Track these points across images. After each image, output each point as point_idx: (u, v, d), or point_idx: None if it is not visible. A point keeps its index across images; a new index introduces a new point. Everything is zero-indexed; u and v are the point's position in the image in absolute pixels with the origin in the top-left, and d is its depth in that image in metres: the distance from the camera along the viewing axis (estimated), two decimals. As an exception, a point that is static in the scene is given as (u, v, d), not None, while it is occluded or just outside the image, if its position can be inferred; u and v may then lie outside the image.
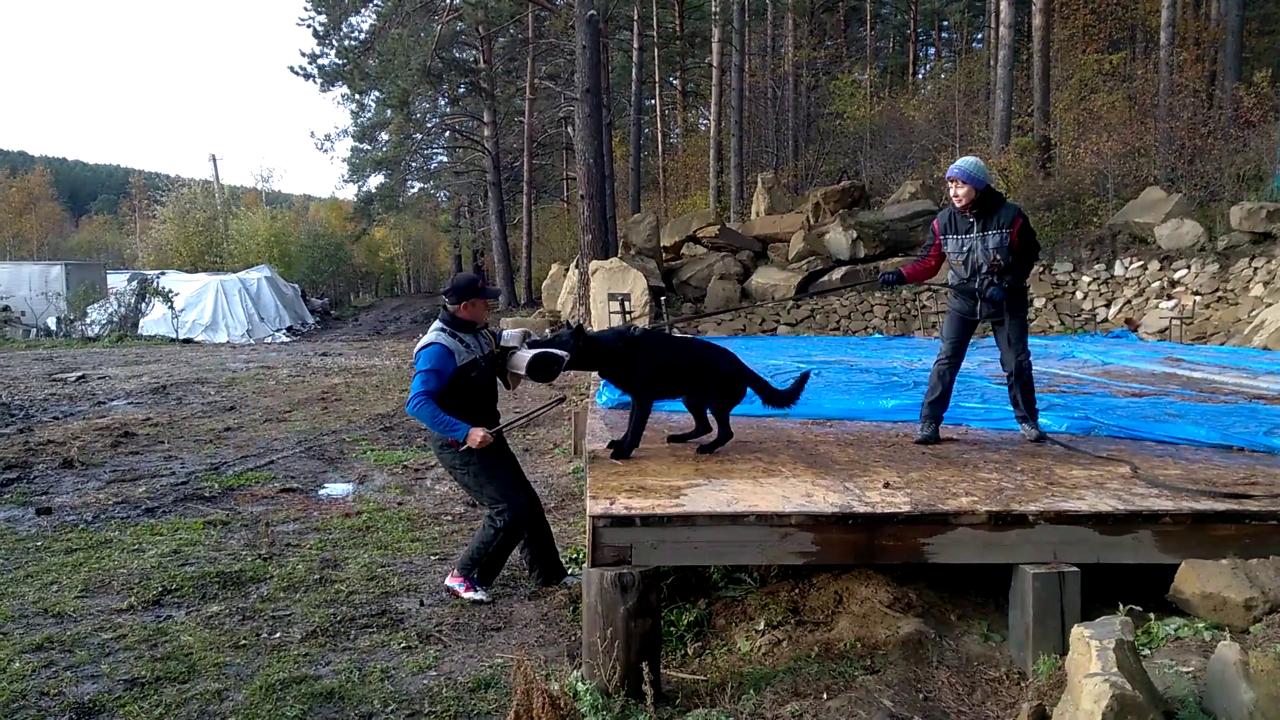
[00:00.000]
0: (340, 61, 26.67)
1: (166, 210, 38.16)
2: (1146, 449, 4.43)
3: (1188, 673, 2.60)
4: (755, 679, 3.11)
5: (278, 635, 3.70)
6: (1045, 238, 14.75)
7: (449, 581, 4.17)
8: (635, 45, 27.41)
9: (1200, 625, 2.97)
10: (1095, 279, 14.97)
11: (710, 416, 4.39)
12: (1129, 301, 14.41)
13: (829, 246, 17.16)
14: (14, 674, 3.32)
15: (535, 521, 4.27)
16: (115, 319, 22.61)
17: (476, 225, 41.82)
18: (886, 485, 3.54)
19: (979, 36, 35.34)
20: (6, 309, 23.43)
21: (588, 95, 17.96)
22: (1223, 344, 12.06)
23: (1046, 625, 2.98)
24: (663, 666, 3.17)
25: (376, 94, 27.75)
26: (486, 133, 31.54)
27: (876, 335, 15.24)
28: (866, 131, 27.18)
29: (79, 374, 13.29)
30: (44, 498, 6.00)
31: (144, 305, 22.90)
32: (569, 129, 30.06)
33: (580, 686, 2.96)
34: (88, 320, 22.71)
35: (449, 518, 5.54)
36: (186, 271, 29.22)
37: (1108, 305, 14.73)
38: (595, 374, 4.99)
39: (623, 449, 4.07)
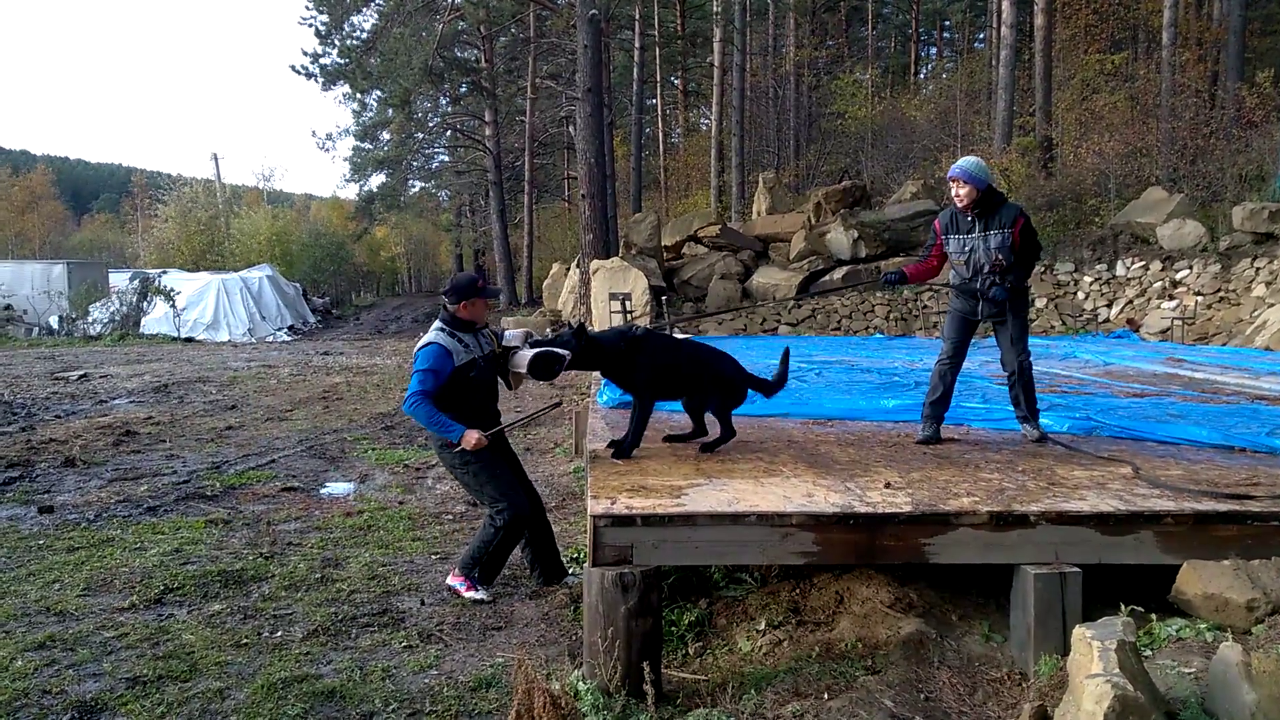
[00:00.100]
0: (342, 61, 26.69)
1: (168, 209, 38.24)
2: (1148, 449, 4.42)
3: (1190, 674, 2.59)
4: (756, 679, 3.11)
5: (279, 634, 3.70)
6: (1047, 238, 14.73)
7: (450, 581, 4.18)
8: (637, 45, 27.41)
9: (1202, 626, 2.97)
10: (1097, 279, 14.96)
11: (712, 417, 4.40)
12: (1131, 302, 14.40)
13: (830, 246, 17.15)
14: (16, 672, 3.32)
15: (536, 521, 4.27)
16: (117, 318, 22.64)
17: (478, 225, 41.84)
18: (888, 485, 3.54)
19: (981, 36, 35.31)
20: (9, 308, 23.46)
21: (589, 94, 17.96)
22: (1225, 344, 12.05)
23: (1048, 626, 2.97)
24: (664, 666, 3.17)
25: (378, 93, 27.77)
26: (488, 132, 31.55)
27: (878, 335, 15.23)
28: (868, 131, 27.16)
29: (81, 373, 13.31)
30: (46, 496, 6.01)
31: (146, 304, 22.93)
32: (570, 128, 30.06)
33: (581, 686, 2.96)
34: (90, 319, 22.75)
35: (450, 517, 5.55)
36: (188, 270, 29.27)
37: (1109, 305, 14.72)
38: (596, 374, 4.99)
39: (623, 448, 4.07)
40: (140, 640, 3.62)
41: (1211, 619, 2.98)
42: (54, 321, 23.18)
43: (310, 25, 27.23)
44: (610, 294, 15.40)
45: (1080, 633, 2.50)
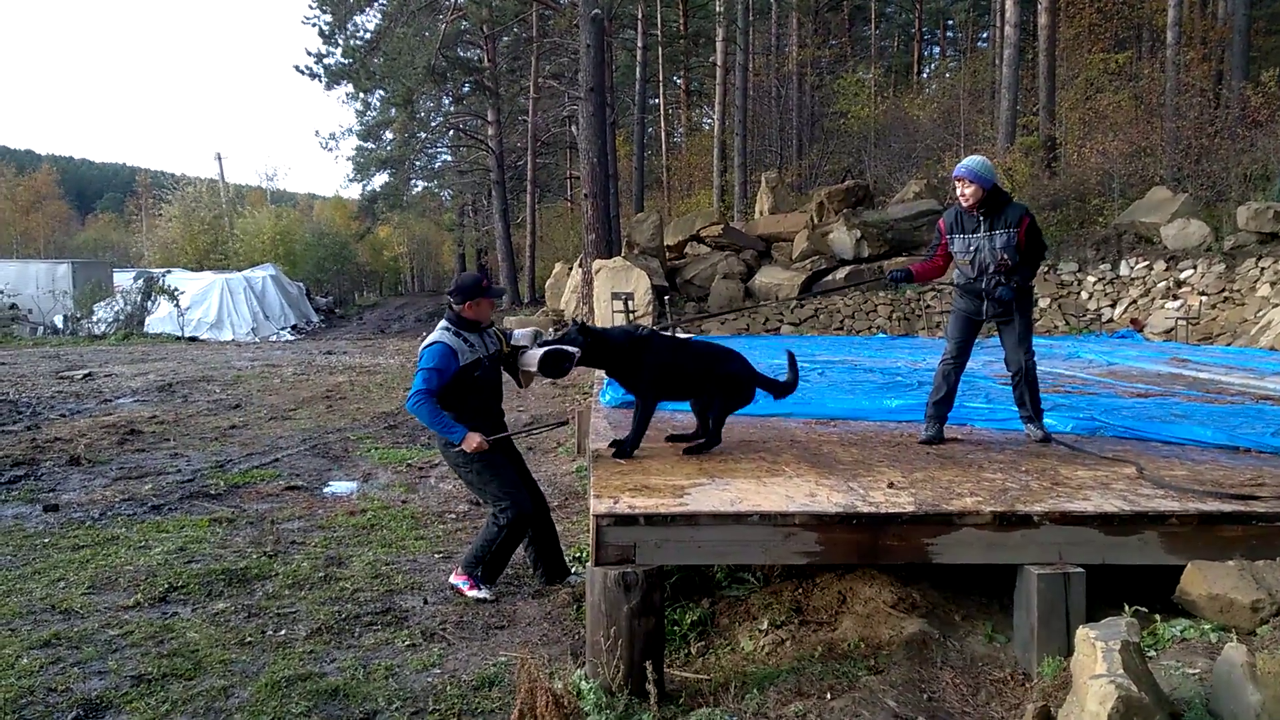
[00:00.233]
0: (345, 60, 26.72)
1: (172, 209, 38.35)
2: (1152, 449, 4.42)
3: (1194, 674, 2.59)
4: (759, 678, 3.11)
5: (283, 632, 3.71)
6: (1050, 238, 14.68)
7: (453, 579, 4.18)
8: (639, 44, 27.39)
9: (1206, 627, 2.96)
10: (1100, 279, 14.92)
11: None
12: (1134, 302, 14.36)
13: (833, 246, 17.14)
14: (22, 670, 3.33)
15: (539, 520, 4.27)
16: (121, 317, 22.70)
17: (480, 224, 41.85)
18: (891, 485, 3.54)
19: (984, 35, 35.23)
20: (14, 307, 23.54)
21: (592, 94, 17.96)
22: (1229, 344, 12.02)
23: (1051, 626, 2.97)
24: (666, 665, 3.17)
25: (381, 93, 27.81)
26: (490, 132, 31.56)
27: (880, 335, 15.21)
28: (871, 131, 27.12)
29: (85, 372, 13.34)
30: (51, 495, 6.03)
31: (150, 303, 23.00)
32: (573, 128, 30.07)
33: (584, 685, 2.96)
34: (94, 318, 22.82)
35: (453, 516, 5.55)
36: (192, 270, 29.35)
37: (1113, 305, 14.68)
38: (599, 374, 5.00)
39: (625, 448, 4.07)
40: (145, 638, 3.63)
41: (1216, 620, 2.98)
42: (59, 321, 23.25)
43: (314, 25, 27.27)
44: (613, 294, 15.41)
45: (1084, 633, 2.49)
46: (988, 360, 7.73)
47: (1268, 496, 3.37)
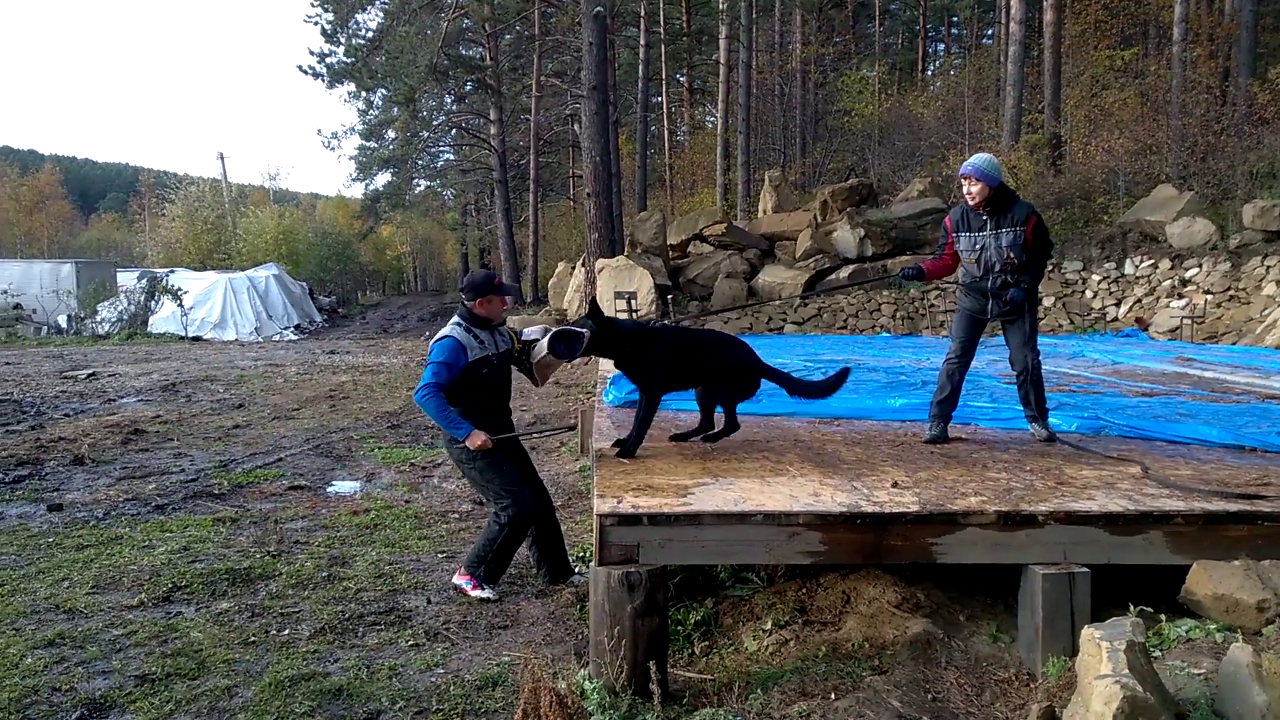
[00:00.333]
0: (348, 59, 26.76)
1: (175, 208, 38.43)
2: (1157, 449, 4.40)
3: (1199, 675, 2.58)
4: (762, 678, 3.10)
5: (286, 632, 3.71)
6: (1055, 236, 14.63)
7: (456, 579, 4.18)
8: (642, 42, 27.38)
9: (1212, 627, 2.95)
10: (1105, 278, 14.87)
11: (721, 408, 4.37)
12: (1139, 300, 14.31)
13: (836, 245, 17.10)
14: (26, 669, 3.34)
15: (544, 519, 4.27)
16: (125, 317, 22.76)
17: (483, 223, 41.89)
18: (895, 485, 3.53)
19: (989, 32, 35.14)
20: (18, 307, 23.62)
21: (594, 92, 17.94)
22: (1234, 343, 11.97)
23: (1056, 626, 2.96)
24: (670, 665, 3.17)
25: (383, 91, 27.84)
26: (493, 130, 31.58)
27: (884, 334, 15.18)
28: (875, 129, 27.05)
29: (89, 371, 13.38)
30: (55, 494, 6.05)
31: (153, 303, 23.05)
32: (575, 126, 30.06)
33: (587, 685, 2.96)
34: (98, 318, 22.88)
35: (456, 515, 5.56)
36: (195, 269, 29.41)
37: (1118, 304, 14.64)
38: (600, 373, 4.99)
39: (628, 447, 4.06)
40: (149, 638, 3.63)
41: (1221, 620, 2.96)
42: (62, 320, 23.32)
43: (316, 24, 27.35)
44: (616, 292, 15.40)
45: (1089, 633, 2.48)
46: (992, 359, 7.71)
47: (1273, 496, 3.35)
